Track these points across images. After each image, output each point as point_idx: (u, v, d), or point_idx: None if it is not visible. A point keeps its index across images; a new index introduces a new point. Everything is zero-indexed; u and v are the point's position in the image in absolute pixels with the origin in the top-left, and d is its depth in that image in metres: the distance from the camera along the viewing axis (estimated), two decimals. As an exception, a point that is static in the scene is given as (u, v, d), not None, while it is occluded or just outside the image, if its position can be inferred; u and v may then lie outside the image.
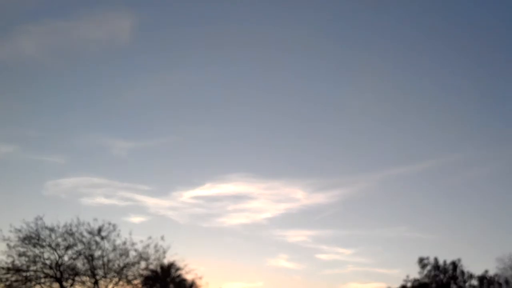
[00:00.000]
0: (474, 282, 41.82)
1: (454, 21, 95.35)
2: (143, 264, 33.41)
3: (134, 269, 33.31)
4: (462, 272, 41.62)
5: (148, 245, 33.29)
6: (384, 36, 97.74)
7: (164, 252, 33.67)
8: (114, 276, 32.73)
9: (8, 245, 30.45)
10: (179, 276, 35.58)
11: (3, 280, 30.22)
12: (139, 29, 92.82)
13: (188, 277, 35.86)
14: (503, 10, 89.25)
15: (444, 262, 41.89)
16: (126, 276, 33.07)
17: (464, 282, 41.50)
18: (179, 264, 35.42)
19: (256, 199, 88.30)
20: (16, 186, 78.51)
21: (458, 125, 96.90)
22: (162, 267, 34.78)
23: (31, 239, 30.93)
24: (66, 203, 68.86)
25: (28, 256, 30.91)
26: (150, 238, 33.46)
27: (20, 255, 30.68)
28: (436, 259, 41.92)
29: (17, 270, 30.49)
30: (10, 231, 30.62)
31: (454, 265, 41.71)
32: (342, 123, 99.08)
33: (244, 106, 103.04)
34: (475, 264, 46.36)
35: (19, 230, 30.75)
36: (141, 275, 33.65)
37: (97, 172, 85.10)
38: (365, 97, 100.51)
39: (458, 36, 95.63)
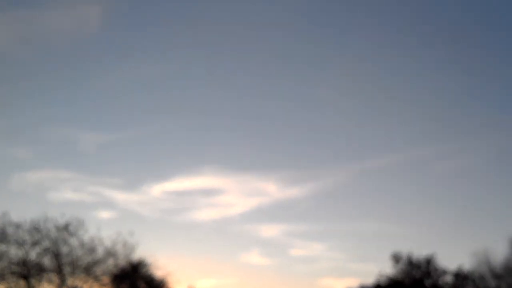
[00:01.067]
0: (449, 277, 41.62)
1: (417, 14, 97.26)
2: (111, 261, 33.46)
3: (102, 266, 33.35)
4: (436, 268, 41.54)
5: (116, 241, 33.44)
6: (356, 29, 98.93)
7: (133, 249, 33.81)
8: (82, 273, 32.75)
9: (-27, 241, 30.53)
10: (148, 273, 35.59)
11: (-32, 277, 30.22)
12: (109, 16, 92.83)
13: (158, 274, 35.92)
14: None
15: (418, 257, 41.88)
16: (94, 273, 33.08)
17: (438, 277, 41.39)
18: (149, 260, 35.55)
19: (227, 192, 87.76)
20: None
21: (430, 119, 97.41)
22: (131, 264, 34.79)
23: (-3, 235, 31.02)
24: (32, 197, 68.13)
25: (-6, 253, 30.96)
26: (119, 234, 33.62)
27: (-15, 251, 30.75)
28: (409, 255, 41.90)
29: (-18, 267, 30.51)
30: (-24, 228, 30.72)
31: (428, 260, 41.65)
32: (314, 116, 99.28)
33: (215, 98, 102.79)
34: (450, 260, 46.28)
35: (-15, 226, 30.83)
36: (109, 272, 33.65)
37: (65, 165, 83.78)
38: (337, 90, 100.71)
39: (432, 31, 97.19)
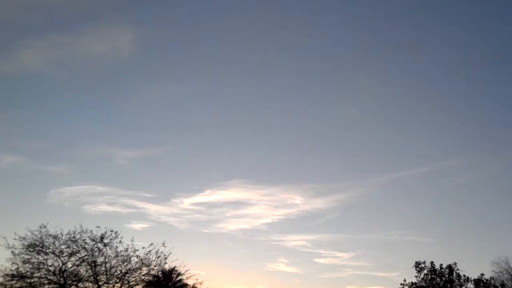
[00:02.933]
0: (470, 285, 42.43)
1: (451, 32, 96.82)
2: (144, 269, 34.10)
3: (136, 274, 33.97)
4: (459, 276, 42.23)
5: (149, 251, 33.99)
6: (379, 47, 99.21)
7: (165, 258, 34.36)
8: (116, 282, 33.37)
9: (12, 252, 31.12)
10: (180, 281, 36.22)
11: (8, 286, 30.80)
12: (139, 43, 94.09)
13: (189, 282, 36.57)
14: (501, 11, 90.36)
15: (441, 266, 42.53)
16: (128, 282, 33.72)
17: (461, 285, 42.11)
18: (180, 269, 36.09)
19: (255, 205, 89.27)
20: (21, 195, 79.64)
21: (454, 132, 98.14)
22: (163, 272, 35.40)
23: (35, 246, 31.54)
24: (69, 211, 69.88)
25: (32, 263, 31.53)
26: (151, 244, 34.16)
27: (24, 262, 31.31)
28: (432, 263, 42.55)
29: (21, 276, 31.07)
30: (15, 239, 31.32)
31: (451, 268, 42.31)
32: (340, 130, 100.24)
33: (243, 115, 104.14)
34: (471, 268, 47.09)
35: (24, 238, 31.42)
36: (143, 281, 34.29)
37: (100, 180, 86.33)
38: (362, 105, 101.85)
39: (455, 46, 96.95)
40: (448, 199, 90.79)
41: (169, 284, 35.62)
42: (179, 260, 36.77)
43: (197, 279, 36.37)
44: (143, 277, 34.18)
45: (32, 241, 31.48)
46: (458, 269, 42.39)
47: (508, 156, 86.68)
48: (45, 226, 31.88)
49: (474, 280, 42.37)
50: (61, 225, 32.64)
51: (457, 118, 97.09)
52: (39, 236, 31.63)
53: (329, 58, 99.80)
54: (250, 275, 76.45)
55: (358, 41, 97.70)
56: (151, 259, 34.00)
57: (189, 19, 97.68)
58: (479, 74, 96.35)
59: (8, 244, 31.00)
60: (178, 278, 36.10)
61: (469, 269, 44.31)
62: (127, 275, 33.53)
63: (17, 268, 31.06)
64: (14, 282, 30.92)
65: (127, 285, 33.72)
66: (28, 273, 31.38)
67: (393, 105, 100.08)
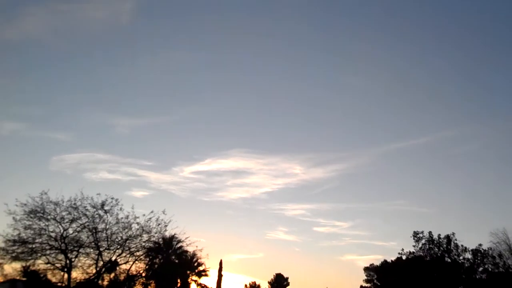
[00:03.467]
0: (468, 255, 42.82)
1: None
2: (145, 236, 34.33)
3: (136, 241, 34.22)
4: (456, 246, 42.57)
5: (150, 219, 34.09)
6: (383, 29, 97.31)
7: (166, 225, 34.46)
8: (117, 248, 33.68)
9: (14, 218, 31.24)
10: (180, 248, 36.64)
11: (10, 252, 31.08)
12: (139, 10, 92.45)
13: (189, 249, 36.95)
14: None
15: (439, 236, 42.82)
16: (129, 248, 34.01)
17: (458, 255, 42.49)
18: (180, 236, 36.31)
19: (255, 174, 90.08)
20: (23, 162, 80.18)
21: (452, 102, 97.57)
22: (164, 239, 35.69)
23: (37, 212, 31.66)
24: (70, 178, 70.59)
25: (34, 229, 31.75)
26: (152, 212, 34.25)
27: (26, 228, 31.51)
28: (430, 233, 42.85)
29: (23, 242, 31.32)
30: (16, 205, 31.34)
31: (448, 238, 42.63)
32: (340, 100, 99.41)
33: (243, 84, 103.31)
34: (470, 238, 47.53)
35: (25, 204, 31.46)
36: (143, 247, 34.61)
37: (101, 148, 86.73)
38: (363, 74, 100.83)
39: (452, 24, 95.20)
40: (448, 170, 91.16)
41: (170, 251, 36.02)
42: (179, 227, 37.28)
43: (197, 246, 36.86)
44: (143, 244, 34.50)
45: (33, 207, 31.59)
46: (456, 239, 42.75)
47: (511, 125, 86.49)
48: (46, 193, 31.93)
49: (472, 250, 42.74)
50: (62, 192, 32.83)
51: (459, 87, 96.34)
52: (40, 202, 31.75)
53: (334, 26, 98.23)
54: (250, 243, 77.78)
55: (366, 12, 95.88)
56: (151, 226, 34.21)
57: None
58: (482, 43, 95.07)
59: (9, 210, 31.14)
60: (179, 245, 36.50)
61: (467, 240, 44.95)
62: (127, 241, 33.79)
63: (19, 234, 31.30)
64: (16, 247, 31.18)
65: (128, 251, 34.04)
66: (30, 238, 31.62)
67: (394, 75, 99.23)
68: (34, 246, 31.72)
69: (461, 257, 42.21)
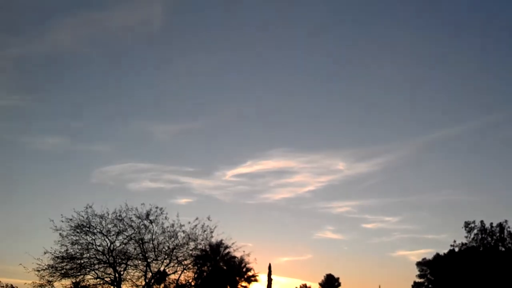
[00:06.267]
0: (522, 243, 41.11)
1: None
2: (192, 244, 33.58)
3: (183, 250, 33.50)
4: (510, 234, 40.93)
5: (195, 226, 33.38)
6: (417, 23, 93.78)
7: (212, 232, 33.71)
8: (165, 258, 33.02)
9: (60, 234, 30.83)
10: (228, 254, 35.73)
11: (59, 269, 30.62)
12: (171, 13, 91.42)
13: (237, 254, 36.05)
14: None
15: (491, 224, 41.24)
16: (177, 257, 33.31)
17: (512, 243, 40.87)
18: (227, 242, 35.58)
19: (297, 173, 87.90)
20: (65, 176, 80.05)
21: (496, 85, 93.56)
22: (210, 246, 34.90)
23: (83, 227, 31.21)
24: (113, 189, 70.05)
25: (81, 244, 31.33)
26: (197, 218, 33.51)
27: (73, 243, 31.08)
28: (482, 222, 41.29)
29: (71, 258, 30.88)
30: (62, 221, 30.94)
31: (501, 227, 41.02)
32: (378, 91, 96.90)
33: (280, 84, 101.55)
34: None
35: (71, 219, 31.04)
36: (191, 256, 33.82)
37: (141, 157, 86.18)
38: (401, 62, 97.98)
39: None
40: (495, 156, 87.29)
41: (217, 258, 35.15)
42: (225, 233, 36.36)
43: (244, 251, 35.86)
44: (190, 252, 33.72)
45: (79, 222, 31.17)
46: (509, 227, 41.09)
47: None
48: (90, 206, 31.50)
49: (526, 237, 41.04)
50: (106, 204, 32.21)
51: (499, 72, 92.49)
52: (85, 216, 31.28)
53: (362, 12, 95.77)
54: (298, 244, 75.88)
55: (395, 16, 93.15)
56: (197, 234, 33.50)
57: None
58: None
59: (56, 226, 30.74)
60: (226, 251, 35.62)
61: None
62: (174, 250, 33.10)
63: (66, 250, 30.91)
64: (64, 264, 30.76)
65: (175, 261, 33.34)
66: (78, 254, 31.20)
67: (433, 62, 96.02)
68: (82, 261, 31.27)
69: (516, 245, 40.62)
